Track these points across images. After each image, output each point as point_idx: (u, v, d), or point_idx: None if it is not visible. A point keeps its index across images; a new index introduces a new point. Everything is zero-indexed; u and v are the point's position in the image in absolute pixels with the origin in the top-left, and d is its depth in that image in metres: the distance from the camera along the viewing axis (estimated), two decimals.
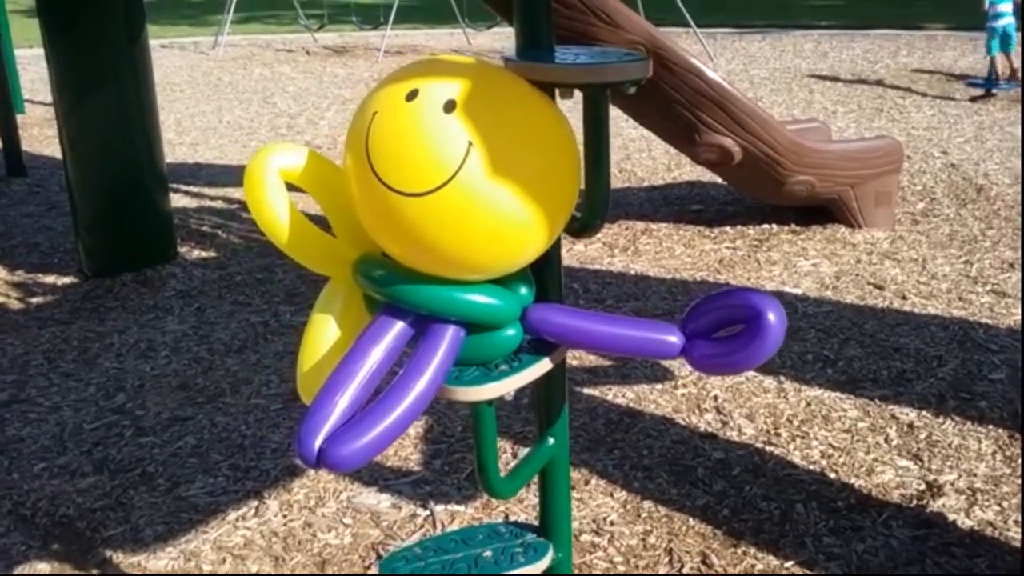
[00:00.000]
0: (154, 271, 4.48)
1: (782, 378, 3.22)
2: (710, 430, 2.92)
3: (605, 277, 4.29)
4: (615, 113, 8.21)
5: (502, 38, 14.12)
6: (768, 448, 2.81)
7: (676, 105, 4.41)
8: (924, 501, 2.53)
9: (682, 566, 2.30)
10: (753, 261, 4.39)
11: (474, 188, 1.05)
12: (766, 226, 4.85)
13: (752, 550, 2.35)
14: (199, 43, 14.05)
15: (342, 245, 1.25)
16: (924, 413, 2.97)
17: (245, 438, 2.94)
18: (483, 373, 1.17)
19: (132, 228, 4.49)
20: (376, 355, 1.11)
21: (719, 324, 1.13)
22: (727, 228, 4.89)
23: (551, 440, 1.34)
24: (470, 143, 1.05)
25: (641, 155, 6.63)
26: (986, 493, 2.55)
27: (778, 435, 2.87)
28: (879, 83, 9.07)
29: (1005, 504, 2.50)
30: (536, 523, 1.46)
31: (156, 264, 4.55)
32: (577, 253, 4.59)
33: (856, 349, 3.43)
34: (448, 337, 1.12)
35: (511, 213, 1.07)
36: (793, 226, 4.81)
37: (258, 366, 3.45)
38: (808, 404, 3.05)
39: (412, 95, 1.08)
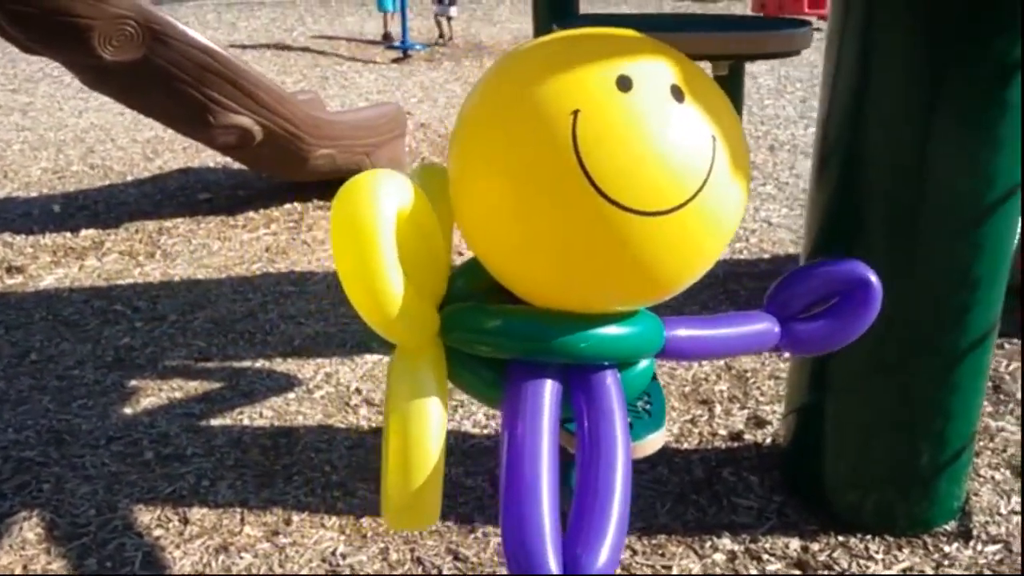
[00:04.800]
0: None
1: None
2: (373, 425, 2.78)
3: (150, 291, 3.74)
4: (49, 103, 7.05)
5: None
6: None
7: (181, 84, 3.98)
8: None
9: (440, 570, 2.18)
10: (301, 243, 4.22)
11: (721, 193, 0.83)
12: (289, 206, 4.70)
13: (489, 528, 2.33)
14: None
15: (420, 301, 0.89)
16: None
17: None
18: (634, 418, 0.95)
19: None
20: (547, 429, 0.82)
21: (811, 302, 1.08)
22: (251, 214, 4.61)
23: None
24: (714, 138, 0.82)
25: (105, 146, 5.87)
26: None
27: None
28: (306, 51, 9.28)
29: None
30: None
31: None
32: (92, 270, 3.92)
33: None
34: (614, 384, 0.88)
35: (736, 216, 0.87)
36: (317, 201, 4.73)
37: None
38: None
39: (624, 83, 0.80)
